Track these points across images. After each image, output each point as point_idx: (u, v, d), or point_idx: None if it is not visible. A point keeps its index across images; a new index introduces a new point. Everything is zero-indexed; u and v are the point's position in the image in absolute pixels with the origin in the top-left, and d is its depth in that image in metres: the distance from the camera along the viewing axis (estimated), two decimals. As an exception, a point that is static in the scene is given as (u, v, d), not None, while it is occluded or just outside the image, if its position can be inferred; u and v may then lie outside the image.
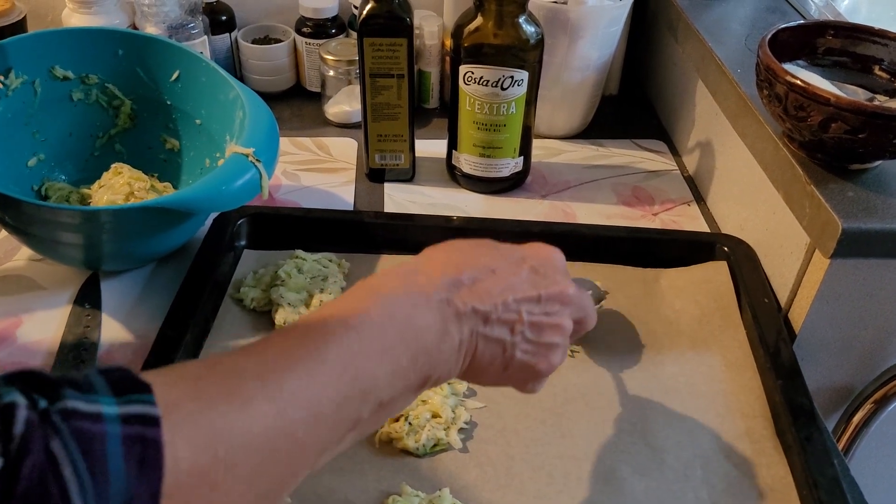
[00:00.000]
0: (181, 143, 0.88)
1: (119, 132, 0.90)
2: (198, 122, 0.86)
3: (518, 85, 0.86)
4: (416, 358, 0.46)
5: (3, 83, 0.80)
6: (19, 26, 1.00)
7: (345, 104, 1.06)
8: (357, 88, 1.02)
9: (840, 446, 0.81)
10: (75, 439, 0.32)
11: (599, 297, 0.76)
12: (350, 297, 0.48)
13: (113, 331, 0.76)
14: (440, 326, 0.48)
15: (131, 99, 0.88)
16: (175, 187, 0.88)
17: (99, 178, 0.85)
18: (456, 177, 0.97)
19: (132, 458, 0.33)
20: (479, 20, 0.84)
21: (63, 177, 0.88)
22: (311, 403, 0.41)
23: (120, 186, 0.82)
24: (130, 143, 0.90)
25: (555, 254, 0.56)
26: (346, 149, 1.03)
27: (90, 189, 0.85)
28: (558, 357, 0.53)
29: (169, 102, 0.87)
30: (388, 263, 0.83)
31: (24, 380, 0.33)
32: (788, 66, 0.75)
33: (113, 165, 0.85)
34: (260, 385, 0.40)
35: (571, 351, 0.74)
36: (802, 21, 0.80)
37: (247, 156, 0.72)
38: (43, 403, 0.32)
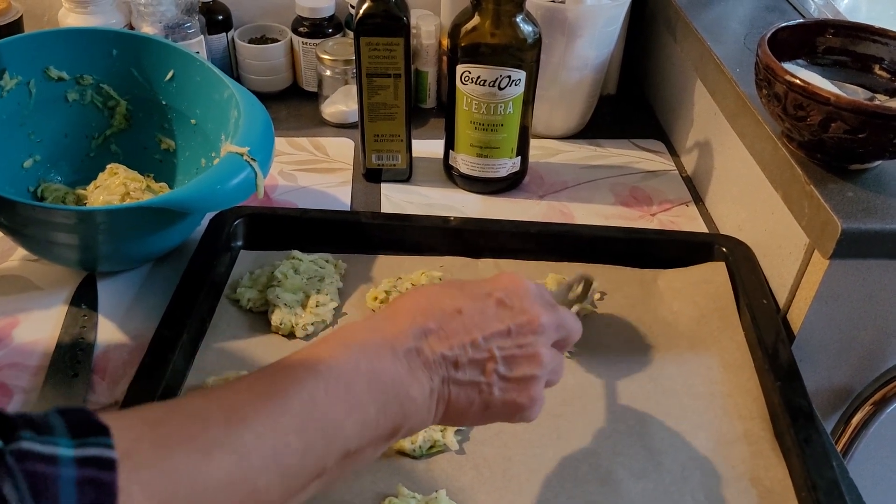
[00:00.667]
0: (177, 143, 0.88)
1: (114, 133, 0.89)
2: (193, 121, 0.85)
3: (515, 85, 0.86)
4: (384, 408, 0.46)
5: (-3, 84, 0.80)
6: (15, 26, 1.00)
7: (341, 104, 1.06)
8: (354, 88, 1.02)
9: (839, 448, 0.81)
10: (27, 481, 0.32)
11: (588, 287, 0.74)
12: (319, 346, 0.48)
13: (109, 331, 0.75)
14: (409, 377, 0.47)
15: (126, 99, 0.88)
16: (171, 187, 0.87)
17: (95, 178, 0.85)
18: (453, 177, 0.96)
19: (85, 502, 0.33)
20: (476, 19, 0.84)
21: (59, 178, 0.87)
22: (274, 453, 0.41)
23: (115, 187, 0.82)
24: (126, 144, 0.90)
25: (521, 282, 0.55)
26: (342, 149, 1.03)
27: (86, 190, 0.85)
28: (538, 388, 0.53)
29: (164, 102, 0.87)
30: (385, 264, 0.82)
31: None
32: (788, 66, 0.75)
33: (108, 166, 0.85)
34: (223, 432, 0.40)
35: (568, 352, 0.74)
36: (802, 20, 0.80)
37: (242, 155, 0.72)
38: None
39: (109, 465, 0.34)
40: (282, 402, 0.42)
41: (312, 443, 0.43)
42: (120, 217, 0.72)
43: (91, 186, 0.84)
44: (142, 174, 0.85)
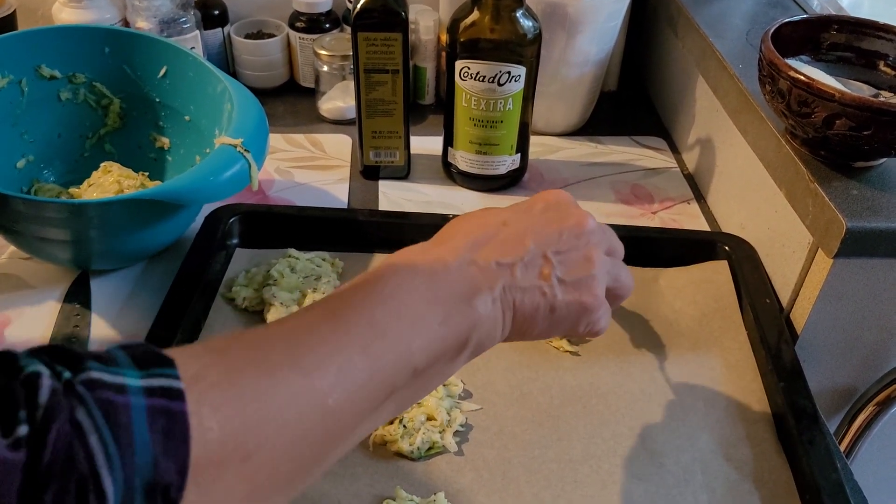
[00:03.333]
0: (171, 140, 0.87)
1: (108, 132, 0.88)
2: (187, 118, 0.84)
3: (515, 81, 0.85)
4: (447, 320, 0.46)
5: (-12, 84, 0.79)
6: (9, 21, 0.99)
7: (339, 100, 1.05)
8: (351, 84, 1.00)
9: (842, 448, 0.80)
10: (100, 408, 0.32)
11: None
12: (369, 274, 0.47)
13: (102, 330, 0.74)
14: (467, 287, 0.47)
15: (120, 97, 0.87)
16: None
17: (88, 178, 0.84)
18: (452, 174, 0.95)
19: (157, 430, 0.32)
20: (475, 14, 0.83)
21: (52, 178, 0.86)
22: (340, 371, 0.41)
23: (109, 185, 0.81)
24: (120, 143, 0.89)
25: (562, 192, 0.56)
26: (340, 145, 1.02)
27: (80, 188, 0.84)
28: (600, 288, 0.52)
29: (157, 100, 0.86)
30: (383, 262, 0.81)
31: (48, 353, 0.33)
32: (792, 62, 0.74)
33: (102, 164, 0.84)
34: (286, 354, 0.40)
35: (571, 352, 0.73)
36: (806, 15, 0.79)
37: (235, 146, 0.71)
38: (67, 374, 0.32)
39: (178, 394, 0.34)
40: (342, 324, 0.42)
41: (378, 360, 0.43)
42: (112, 210, 0.71)
43: (85, 185, 0.83)
44: (137, 172, 0.84)
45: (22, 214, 0.70)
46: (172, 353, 0.36)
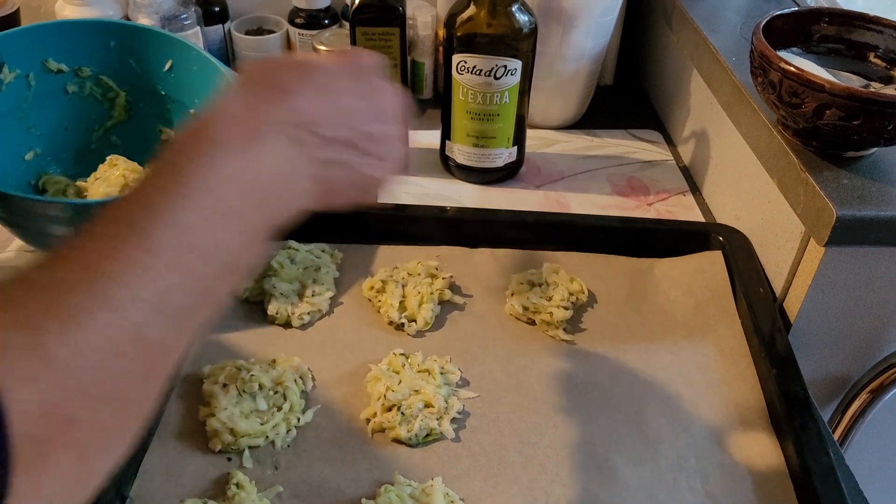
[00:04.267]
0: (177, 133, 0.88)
1: (115, 124, 0.89)
2: (192, 111, 0.85)
3: (511, 74, 0.86)
4: (260, 205, 0.43)
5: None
6: (13, 18, 1.00)
7: (339, 95, 1.06)
8: (351, 79, 1.01)
9: (836, 436, 0.81)
10: None
11: None
12: (168, 163, 0.43)
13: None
14: (271, 168, 0.44)
15: (125, 90, 0.88)
16: None
17: (96, 170, 0.85)
18: (449, 167, 0.96)
19: None
20: (472, 9, 0.84)
21: (60, 170, 0.87)
22: (156, 297, 0.37)
23: (115, 179, 0.82)
24: (127, 135, 0.89)
25: (368, 59, 0.53)
26: (339, 140, 1.02)
27: (86, 182, 0.85)
28: (391, 154, 0.52)
29: (163, 93, 0.87)
30: (382, 254, 0.82)
31: None
32: (783, 54, 0.75)
33: (108, 157, 0.84)
34: (89, 293, 0.35)
35: (567, 341, 0.74)
36: (797, 8, 0.80)
37: None
38: None
39: None
40: (148, 242, 0.37)
41: (194, 272, 0.39)
42: None
43: (91, 178, 0.84)
44: (143, 165, 0.85)
45: (29, 211, 0.71)
46: None
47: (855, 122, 0.67)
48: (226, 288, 0.42)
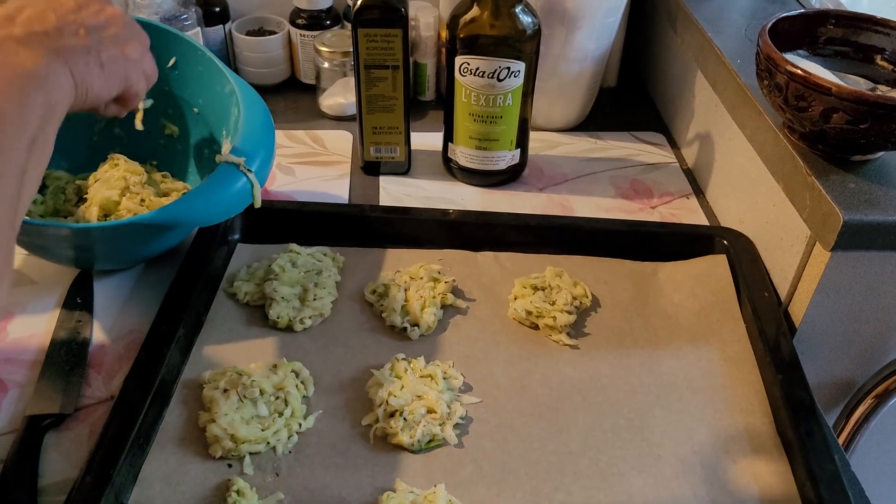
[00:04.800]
0: (179, 129, 0.87)
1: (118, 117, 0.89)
2: (195, 110, 0.85)
3: (514, 76, 0.85)
4: (24, 101, 0.46)
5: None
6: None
7: (340, 96, 1.05)
8: (352, 80, 1.01)
9: (841, 441, 0.80)
10: None
11: None
12: None
13: (105, 325, 0.75)
14: (28, 62, 0.48)
15: None
16: (174, 174, 0.87)
17: (99, 162, 0.84)
18: (452, 169, 0.96)
19: None
20: (475, 10, 0.83)
21: (63, 163, 0.86)
22: None
23: (115, 180, 0.81)
24: (129, 128, 0.88)
25: None
26: (340, 141, 1.02)
27: (86, 182, 0.84)
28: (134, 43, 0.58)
29: (166, 89, 0.86)
30: (384, 257, 0.82)
31: None
32: (789, 56, 0.74)
33: (110, 156, 0.84)
34: None
35: (570, 345, 0.74)
36: (803, 10, 0.79)
37: (238, 165, 0.71)
38: None
39: None
40: None
41: None
42: (114, 232, 0.71)
43: (91, 178, 0.83)
44: (145, 160, 0.85)
45: (25, 232, 0.70)
46: None
47: (862, 126, 0.67)
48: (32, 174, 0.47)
